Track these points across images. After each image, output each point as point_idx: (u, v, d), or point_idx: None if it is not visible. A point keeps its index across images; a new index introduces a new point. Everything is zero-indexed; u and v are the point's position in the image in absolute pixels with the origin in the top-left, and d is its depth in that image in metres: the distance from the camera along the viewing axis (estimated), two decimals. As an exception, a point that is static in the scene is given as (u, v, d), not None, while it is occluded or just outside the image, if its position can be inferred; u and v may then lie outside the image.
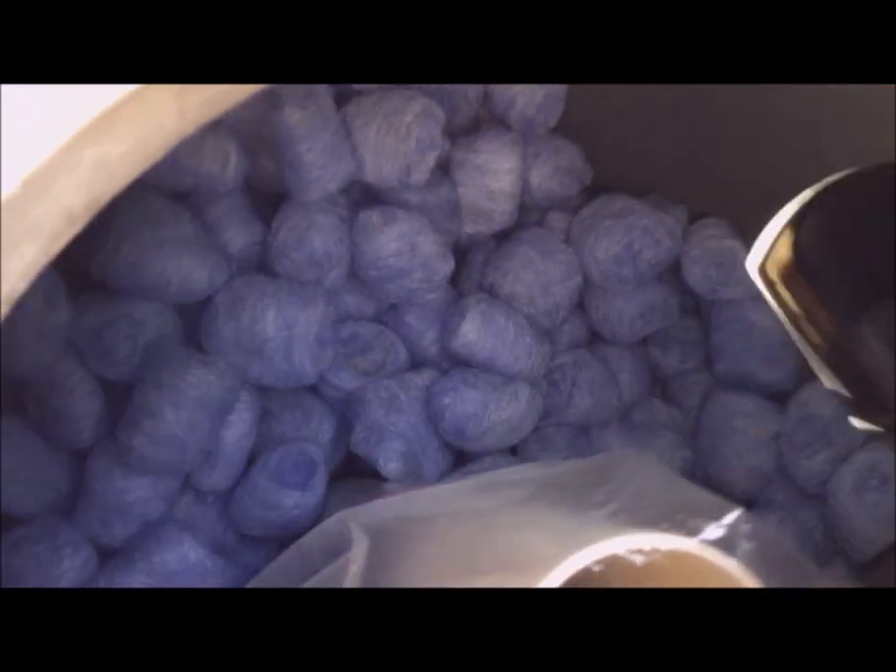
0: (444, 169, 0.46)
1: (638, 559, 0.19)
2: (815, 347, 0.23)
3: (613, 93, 0.48)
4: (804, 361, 0.48)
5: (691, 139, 0.49)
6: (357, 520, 0.24)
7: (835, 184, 0.22)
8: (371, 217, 0.43)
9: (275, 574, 0.25)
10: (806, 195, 0.22)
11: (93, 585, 0.38)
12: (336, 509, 0.43)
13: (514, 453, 0.46)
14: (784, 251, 0.22)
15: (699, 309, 0.51)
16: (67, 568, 0.38)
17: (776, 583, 0.21)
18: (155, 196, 0.39)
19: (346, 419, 0.44)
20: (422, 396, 0.44)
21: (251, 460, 0.42)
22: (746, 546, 0.21)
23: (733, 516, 0.21)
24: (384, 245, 0.42)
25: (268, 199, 0.43)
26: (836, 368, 0.23)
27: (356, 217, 0.43)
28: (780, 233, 0.22)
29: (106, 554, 0.39)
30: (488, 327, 0.44)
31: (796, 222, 0.22)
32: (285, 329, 0.40)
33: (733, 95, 0.45)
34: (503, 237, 0.49)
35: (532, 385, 0.44)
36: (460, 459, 0.45)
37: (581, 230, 0.48)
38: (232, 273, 0.41)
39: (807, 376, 0.48)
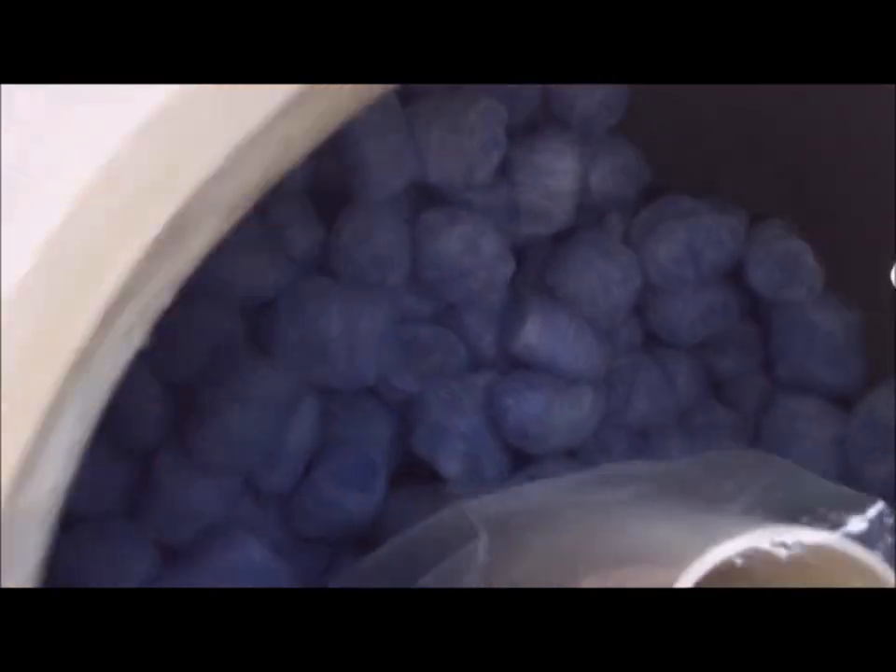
0: (503, 169, 0.46)
1: (783, 553, 0.18)
2: None
3: (672, 93, 0.48)
4: (869, 364, 0.47)
5: (750, 140, 0.48)
6: (475, 512, 0.23)
7: None
8: (435, 217, 0.42)
9: (382, 566, 0.24)
10: None
11: (158, 585, 0.38)
12: (395, 511, 0.43)
13: (573, 456, 0.46)
14: None
15: (756, 312, 0.51)
16: (130, 568, 0.38)
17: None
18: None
19: (406, 421, 0.44)
20: (482, 397, 0.43)
21: (311, 462, 0.42)
22: (889, 540, 0.21)
23: (875, 509, 0.21)
24: (447, 245, 0.42)
25: (331, 200, 0.43)
26: None
27: (417, 217, 0.43)
28: None
29: (169, 555, 0.39)
30: (549, 328, 0.44)
31: None
32: (348, 330, 0.40)
33: (790, 96, 0.44)
34: (561, 238, 0.48)
35: (594, 387, 0.44)
36: (520, 462, 0.45)
37: (641, 231, 0.48)
38: (295, 275, 0.41)
39: (873, 380, 0.47)
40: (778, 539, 0.18)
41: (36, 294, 0.15)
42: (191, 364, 0.39)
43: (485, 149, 0.42)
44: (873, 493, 0.45)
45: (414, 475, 0.44)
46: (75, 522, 0.39)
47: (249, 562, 0.36)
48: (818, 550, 0.19)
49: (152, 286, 0.17)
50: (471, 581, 0.22)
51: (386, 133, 0.41)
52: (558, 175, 0.46)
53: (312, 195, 0.43)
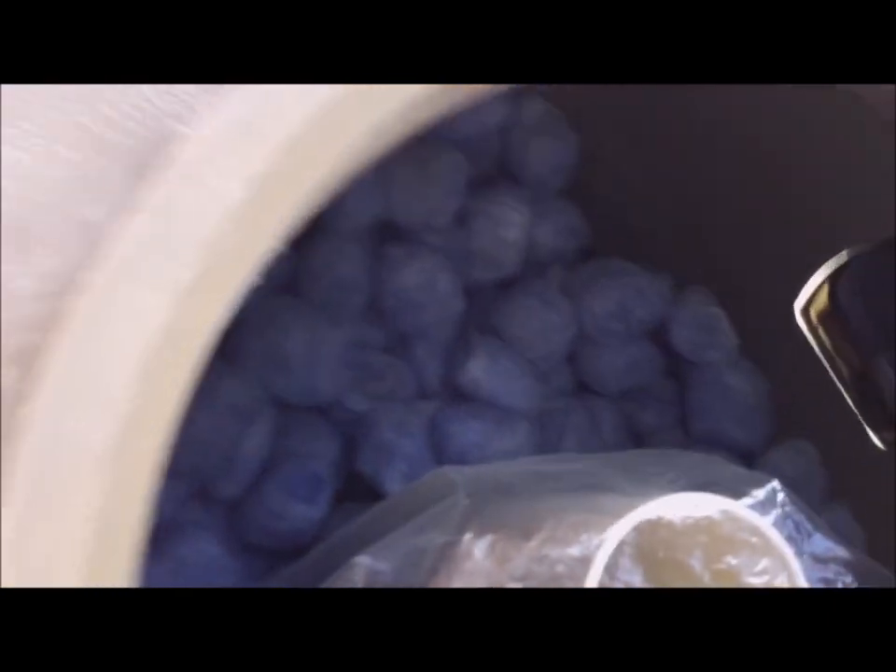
0: (461, 217, 0.50)
1: (696, 513, 0.22)
2: (843, 379, 0.28)
3: (616, 165, 0.53)
4: (773, 424, 0.53)
5: (683, 216, 0.54)
6: (453, 472, 0.26)
7: (867, 249, 0.26)
8: (398, 252, 0.46)
9: (372, 522, 0.26)
10: (843, 255, 0.27)
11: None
12: (338, 527, 0.45)
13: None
14: (823, 298, 0.27)
15: (677, 371, 0.56)
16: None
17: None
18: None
19: (352, 441, 0.46)
20: (427, 423, 0.46)
21: (261, 472, 0.44)
22: (778, 511, 0.24)
23: (770, 486, 0.25)
24: (406, 278, 0.45)
25: (303, 226, 0.46)
26: (862, 396, 0.27)
27: (381, 250, 0.46)
28: (821, 284, 0.27)
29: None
30: (493, 365, 0.48)
31: (834, 276, 0.26)
32: (309, 348, 0.43)
33: (724, 174, 0.50)
34: (507, 285, 0.52)
35: (529, 422, 0.48)
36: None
37: (579, 285, 0.52)
38: (265, 293, 0.43)
39: (776, 438, 0.52)
40: (693, 502, 0.22)
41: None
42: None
43: (447, 197, 0.46)
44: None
45: (356, 493, 0.47)
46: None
47: (201, 556, 0.38)
48: (722, 512, 0.22)
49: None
50: (449, 527, 0.24)
51: (359, 171, 0.44)
52: (510, 226, 0.50)
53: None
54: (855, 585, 0.25)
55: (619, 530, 0.21)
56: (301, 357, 0.43)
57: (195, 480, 0.41)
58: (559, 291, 0.52)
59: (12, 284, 0.17)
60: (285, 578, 0.26)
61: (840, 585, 0.25)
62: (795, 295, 0.49)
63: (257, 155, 0.18)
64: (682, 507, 0.22)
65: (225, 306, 0.19)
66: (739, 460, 0.52)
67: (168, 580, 0.37)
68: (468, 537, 0.24)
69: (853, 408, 0.28)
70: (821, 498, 0.50)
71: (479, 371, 0.47)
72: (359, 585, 0.24)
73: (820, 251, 0.41)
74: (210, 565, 0.38)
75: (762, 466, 0.51)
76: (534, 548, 0.22)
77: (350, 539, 0.26)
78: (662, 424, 0.55)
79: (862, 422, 0.28)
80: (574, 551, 0.21)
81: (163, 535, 0.39)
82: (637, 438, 0.55)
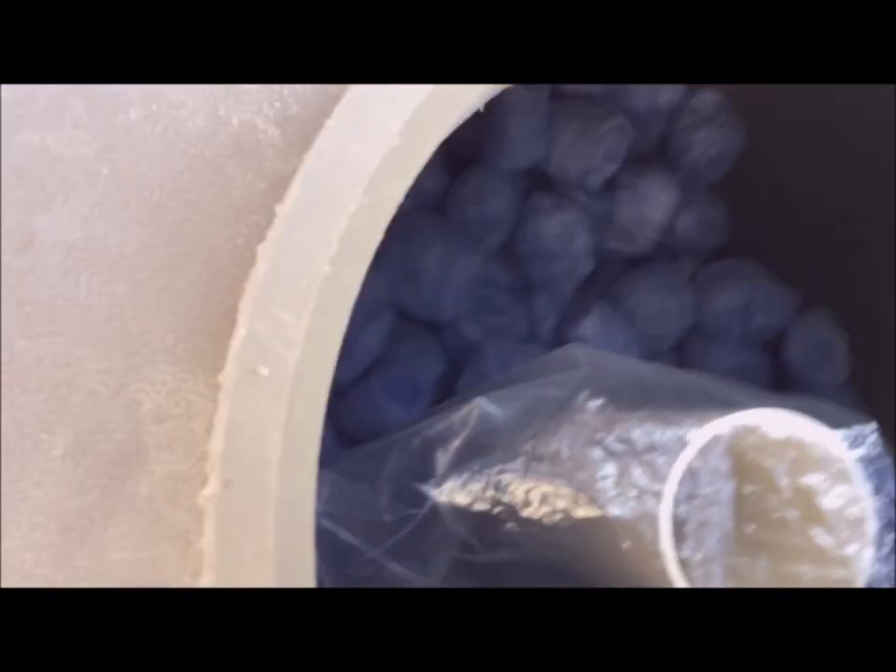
0: (613, 186, 0.51)
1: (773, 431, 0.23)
2: None
3: (774, 169, 0.54)
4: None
5: (829, 234, 0.54)
6: (581, 350, 0.28)
7: None
8: (544, 199, 0.48)
9: (498, 383, 0.29)
10: None
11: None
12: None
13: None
14: None
15: (781, 387, 0.56)
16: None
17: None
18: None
19: (456, 364, 0.49)
20: (531, 367, 0.48)
21: (371, 368, 0.47)
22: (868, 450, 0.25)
23: (869, 426, 0.26)
24: (546, 226, 0.47)
25: (457, 158, 0.49)
26: None
27: (530, 196, 0.48)
28: None
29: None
30: (605, 329, 0.49)
31: None
32: (443, 266, 0.45)
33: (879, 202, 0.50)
34: (636, 261, 0.53)
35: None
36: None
37: (707, 279, 0.53)
38: (416, 207, 0.46)
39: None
40: (791, 421, 0.24)
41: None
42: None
43: (606, 159, 0.48)
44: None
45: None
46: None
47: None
48: (815, 436, 0.24)
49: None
50: (568, 387, 0.26)
51: (530, 116, 0.46)
52: (655, 206, 0.52)
53: (448, 146, 0.49)
54: None
55: (718, 425, 0.23)
56: (432, 273, 0.45)
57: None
58: (687, 281, 0.54)
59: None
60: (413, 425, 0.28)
61: None
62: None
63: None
64: (781, 422, 0.24)
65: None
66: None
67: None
68: (584, 394, 0.26)
69: None
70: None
71: (590, 330, 0.49)
72: (472, 423, 0.27)
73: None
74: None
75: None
76: (640, 418, 0.24)
77: (473, 393, 0.29)
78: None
79: None
80: (674, 431, 0.23)
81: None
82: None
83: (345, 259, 0.19)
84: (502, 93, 0.46)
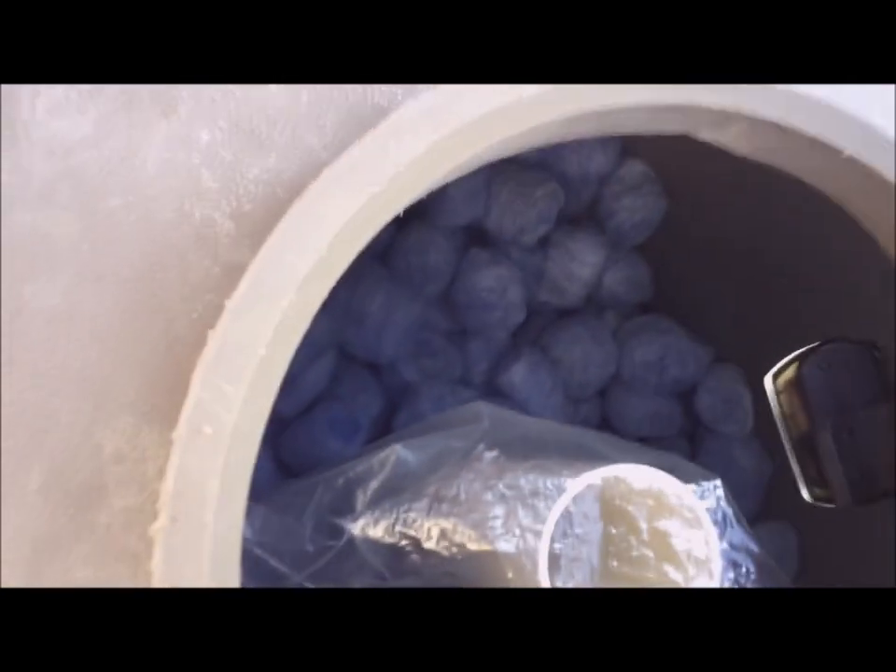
0: (545, 243, 0.56)
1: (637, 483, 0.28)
2: (792, 440, 0.33)
3: (688, 236, 0.59)
4: (764, 502, 0.57)
5: (735, 298, 0.59)
6: (485, 406, 0.32)
7: (831, 342, 0.33)
8: (480, 254, 0.52)
9: (411, 432, 0.32)
10: (813, 345, 0.33)
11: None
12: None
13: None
14: (791, 371, 0.33)
15: (694, 436, 0.61)
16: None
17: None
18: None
19: (393, 404, 0.53)
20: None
21: (314, 403, 0.51)
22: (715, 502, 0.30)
23: (713, 482, 0.30)
24: (482, 278, 0.52)
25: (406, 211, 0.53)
26: (802, 456, 0.33)
27: (468, 250, 0.53)
28: (793, 359, 0.33)
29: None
30: (532, 374, 0.54)
31: (804, 356, 0.32)
32: (385, 310, 0.49)
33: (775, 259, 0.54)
34: (565, 314, 0.58)
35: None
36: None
37: (627, 332, 0.58)
38: (361, 257, 0.50)
39: (763, 515, 0.57)
40: (651, 475, 0.28)
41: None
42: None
43: (539, 220, 0.52)
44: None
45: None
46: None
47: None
48: (669, 488, 0.28)
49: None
50: (471, 440, 0.30)
51: (470, 178, 0.51)
52: (583, 264, 0.56)
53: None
54: (754, 574, 0.30)
55: (591, 476, 0.27)
56: (375, 317, 0.49)
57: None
58: (610, 334, 0.58)
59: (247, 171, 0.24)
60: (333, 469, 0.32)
61: (744, 570, 0.30)
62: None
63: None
64: (642, 476, 0.28)
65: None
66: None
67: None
68: (481, 446, 0.30)
69: (793, 465, 0.33)
70: (791, 575, 0.54)
71: (518, 375, 0.53)
72: (388, 467, 0.30)
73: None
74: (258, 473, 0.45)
75: (743, 538, 0.55)
76: (527, 468, 0.28)
77: (389, 441, 0.33)
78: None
79: (799, 478, 0.33)
80: (553, 480, 0.27)
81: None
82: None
83: (278, 343, 0.23)
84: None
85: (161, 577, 0.19)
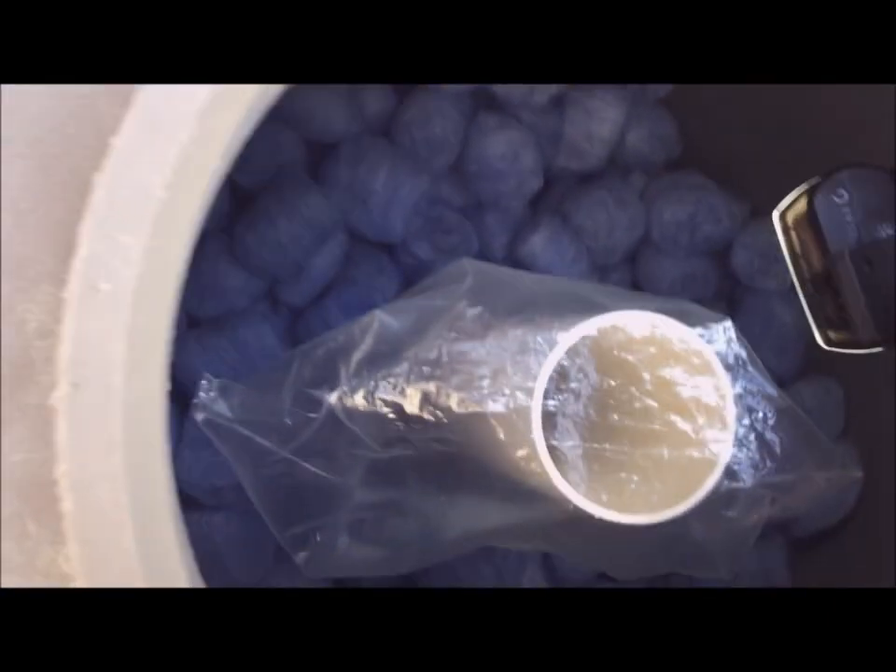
0: (559, 103, 0.52)
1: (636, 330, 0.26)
2: (803, 279, 0.31)
3: (719, 86, 0.54)
4: (807, 358, 0.55)
5: (774, 146, 0.55)
6: (470, 263, 0.31)
7: (844, 168, 0.29)
8: (489, 119, 0.49)
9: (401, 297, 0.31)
10: (825, 171, 0.30)
11: (183, 343, 0.45)
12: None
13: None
14: (801, 205, 0.30)
15: (732, 296, 0.58)
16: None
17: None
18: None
19: (410, 284, 0.51)
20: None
21: (326, 290, 0.49)
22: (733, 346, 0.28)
23: (723, 324, 0.28)
24: (491, 145, 0.49)
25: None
26: (817, 298, 0.31)
27: (476, 116, 0.49)
28: (802, 193, 0.30)
29: (193, 324, 0.46)
30: (552, 243, 0.51)
31: (814, 188, 0.29)
32: (390, 188, 0.47)
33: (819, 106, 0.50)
34: (585, 179, 0.55)
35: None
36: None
37: (655, 192, 0.54)
38: (362, 130, 0.48)
39: (806, 372, 0.55)
40: (651, 321, 0.26)
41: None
42: (257, 174, 0.46)
43: (548, 77, 0.49)
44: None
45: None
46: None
47: (261, 341, 0.44)
48: (674, 332, 0.26)
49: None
50: (453, 297, 0.29)
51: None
52: (604, 122, 0.53)
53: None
54: (772, 420, 0.28)
55: (585, 327, 0.25)
56: (380, 196, 0.47)
57: (267, 278, 0.47)
58: (637, 195, 0.55)
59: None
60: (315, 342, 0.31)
61: (761, 415, 0.28)
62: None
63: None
64: (642, 322, 0.26)
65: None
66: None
67: (228, 351, 0.43)
68: (462, 303, 0.29)
69: (806, 309, 0.31)
70: (835, 434, 0.52)
71: (538, 245, 0.50)
72: (371, 334, 0.29)
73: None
74: (264, 351, 0.44)
75: (790, 394, 0.53)
76: (514, 323, 0.27)
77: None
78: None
79: (811, 321, 0.31)
80: (545, 334, 0.25)
81: (234, 319, 0.45)
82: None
83: (181, 185, 0.21)
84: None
85: (65, 451, 0.18)
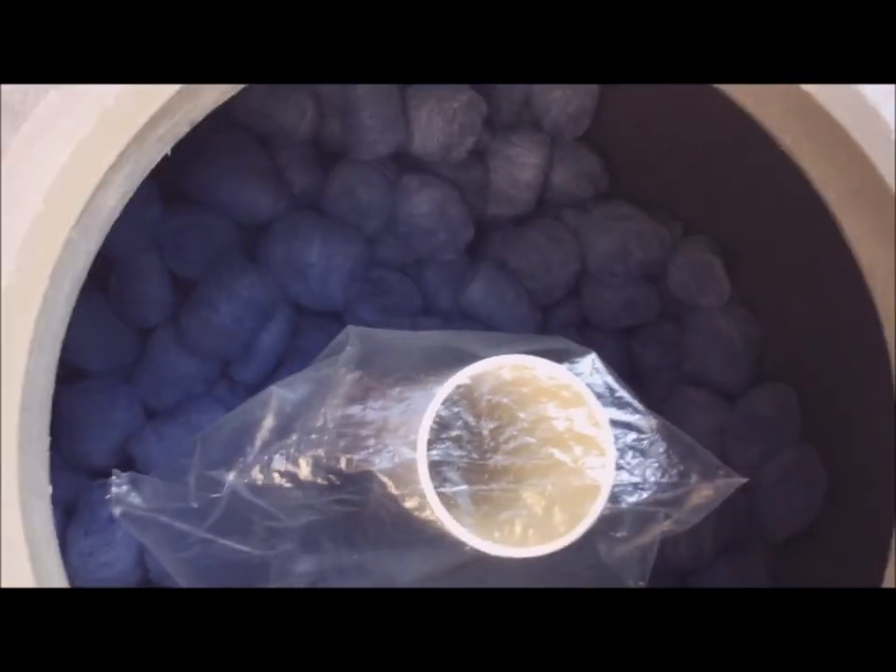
0: (481, 155, 0.55)
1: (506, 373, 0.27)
2: None
3: (636, 114, 0.57)
4: (758, 366, 0.56)
5: (697, 163, 0.57)
6: (353, 330, 0.32)
7: None
8: (411, 180, 0.51)
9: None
10: None
11: (140, 435, 0.46)
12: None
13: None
14: None
15: (680, 316, 0.59)
16: (120, 418, 0.47)
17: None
18: (241, 132, 0.48)
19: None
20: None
21: (279, 364, 0.51)
22: (598, 377, 0.29)
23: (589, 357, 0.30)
24: (417, 205, 0.51)
25: (329, 154, 0.52)
26: None
27: (399, 180, 0.52)
28: None
29: (152, 415, 0.48)
30: (492, 289, 0.53)
31: None
32: (325, 258, 0.49)
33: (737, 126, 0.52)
34: (519, 223, 0.57)
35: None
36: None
37: (587, 226, 0.56)
38: (292, 207, 0.50)
39: (759, 381, 0.56)
40: (518, 363, 0.28)
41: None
42: (194, 263, 0.48)
43: (462, 133, 0.51)
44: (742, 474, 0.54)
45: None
46: (79, 377, 0.48)
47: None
48: (542, 370, 0.28)
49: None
50: (336, 365, 0.30)
51: (383, 105, 0.49)
52: (526, 167, 0.55)
53: (316, 146, 0.52)
54: (648, 440, 0.30)
55: (457, 377, 0.27)
56: (317, 267, 0.49)
57: (218, 361, 0.49)
58: (570, 232, 0.57)
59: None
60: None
61: (635, 436, 0.29)
62: (789, 244, 0.51)
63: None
64: (509, 365, 0.27)
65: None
66: (723, 398, 0.55)
67: (184, 438, 0.45)
68: (342, 370, 0.30)
69: None
70: (794, 438, 0.53)
71: (478, 293, 0.52)
72: (271, 408, 0.31)
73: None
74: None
75: (743, 403, 0.54)
76: (392, 382, 0.28)
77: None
78: (662, 365, 0.59)
79: None
80: (421, 389, 0.27)
81: (186, 405, 0.47)
82: (636, 375, 0.59)
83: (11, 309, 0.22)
84: (352, 88, 0.49)
85: None
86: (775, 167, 0.51)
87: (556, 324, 0.57)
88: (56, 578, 0.24)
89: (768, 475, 0.52)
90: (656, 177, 0.58)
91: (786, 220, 0.52)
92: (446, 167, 0.53)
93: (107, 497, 0.29)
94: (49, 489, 0.25)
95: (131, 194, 0.27)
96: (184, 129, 0.27)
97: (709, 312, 0.56)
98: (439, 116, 0.51)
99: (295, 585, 0.30)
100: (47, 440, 0.26)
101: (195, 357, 0.48)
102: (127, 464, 0.46)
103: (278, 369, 0.51)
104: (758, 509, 0.53)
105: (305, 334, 0.52)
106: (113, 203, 0.26)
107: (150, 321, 0.49)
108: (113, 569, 0.43)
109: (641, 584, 0.28)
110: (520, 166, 0.55)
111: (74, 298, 0.26)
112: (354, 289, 0.51)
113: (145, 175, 0.27)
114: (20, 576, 0.22)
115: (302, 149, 0.51)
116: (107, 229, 0.26)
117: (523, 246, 0.55)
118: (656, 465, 0.29)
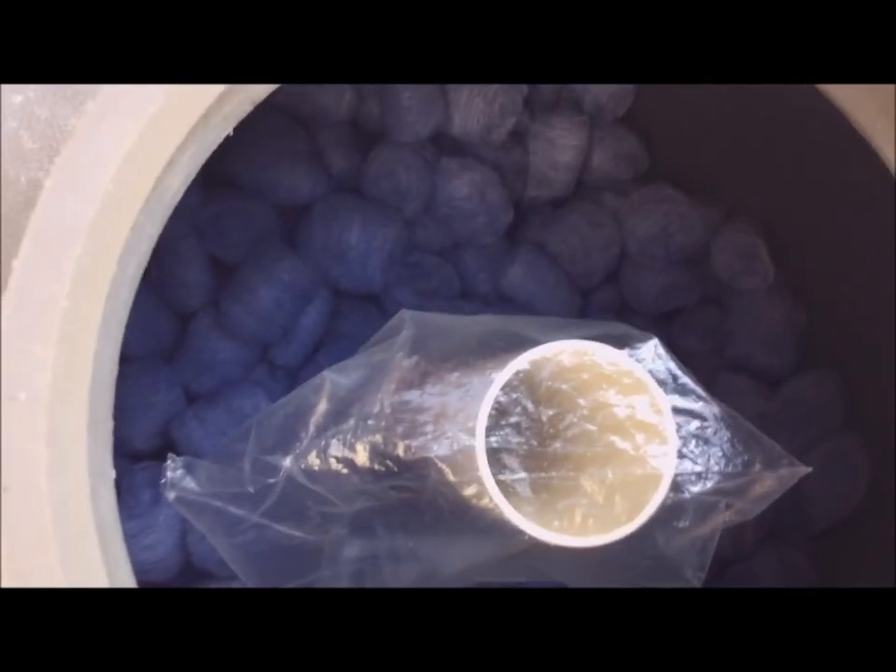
0: (520, 137, 0.54)
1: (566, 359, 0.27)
2: None
3: (678, 93, 0.55)
4: (802, 351, 0.55)
5: (742, 144, 0.55)
6: (409, 314, 0.32)
7: None
8: (451, 163, 0.51)
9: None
10: None
11: (182, 419, 0.47)
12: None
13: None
14: None
15: (721, 300, 0.58)
16: (162, 400, 0.47)
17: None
18: (280, 115, 0.48)
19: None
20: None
21: (318, 348, 0.51)
22: (660, 362, 0.29)
23: (651, 342, 0.29)
24: (457, 187, 0.50)
25: (368, 136, 0.52)
26: None
27: (439, 162, 0.51)
28: None
29: (192, 399, 0.48)
30: (531, 273, 0.52)
31: None
32: (365, 240, 0.49)
33: (782, 105, 0.51)
34: (559, 205, 0.56)
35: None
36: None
37: (628, 210, 0.55)
38: (331, 189, 0.50)
39: (803, 366, 0.55)
40: (579, 348, 0.27)
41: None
42: (234, 247, 0.48)
43: (503, 114, 0.50)
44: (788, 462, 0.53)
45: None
46: (123, 361, 0.48)
47: (257, 409, 0.45)
48: (603, 356, 0.27)
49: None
50: (391, 350, 0.30)
51: (423, 86, 0.49)
52: (566, 149, 0.54)
53: (355, 127, 0.52)
54: (712, 428, 0.29)
55: (516, 363, 0.26)
56: (356, 251, 0.49)
57: (257, 345, 0.49)
58: (609, 215, 0.56)
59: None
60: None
61: (700, 424, 0.29)
62: (836, 226, 0.50)
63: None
64: (570, 351, 0.27)
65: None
66: (766, 383, 0.54)
67: (226, 422, 0.45)
68: (399, 355, 0.30)
69: None
70: (837, 426, 0.52)
71: (518, 276, 0.52)
72: (325, 392, 0.30)
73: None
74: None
75: (786, 389, 0.53)
76: (450, 367, 0.28)
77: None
78: (702, 349, 0.58)
79: None
80: (480, 374, 0.26)
81: (227, 391, 0.47)
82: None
83: (81, 294, 0.23)
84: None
85: (5, 551, 0.20)
86: (821, 148, 0.51)
87: (595, 308, 0.57)
88: (122, 566, 0.24)
89: (811, 463, 0.51)
90: (698, 158, 0.57)
91: (831, 203, 0.51)
92: (485, 149, 0.52)
93: (162, 481, 0.29)
94: (113, 473, 0.25)
95: (193, 176, 0.27)
96: (247, 108, 0.27)
97: (752, 295, 0.55)
98: (479, 97, 0.50)
99: (345, 570, 0.29)
100: (111, 423, 0.26)
101: (235, 342, 0.48)
102: (168, 448, 0.46)
103: (317, 351, 0.51)
104: (800, 497, 0.52)
105: (344, 317, 0.52)
106: (177, 186, 0.25)
107: (191, 306, 0.49)
108: (155, 552, 0.43)
109: (700, 575, 0.28)
110: (560, 148, 0.54)
111: (137, 282, 0.26)
112: (392, 272, 0.51)
113: (207, 155, 0.27)
114: (90, 569, 0.21)
115: (341, 131, 0.51)
116: (169, 212, 0.26)
117: (562, 230, 0.54)
118: (720, 454, 0.28)
